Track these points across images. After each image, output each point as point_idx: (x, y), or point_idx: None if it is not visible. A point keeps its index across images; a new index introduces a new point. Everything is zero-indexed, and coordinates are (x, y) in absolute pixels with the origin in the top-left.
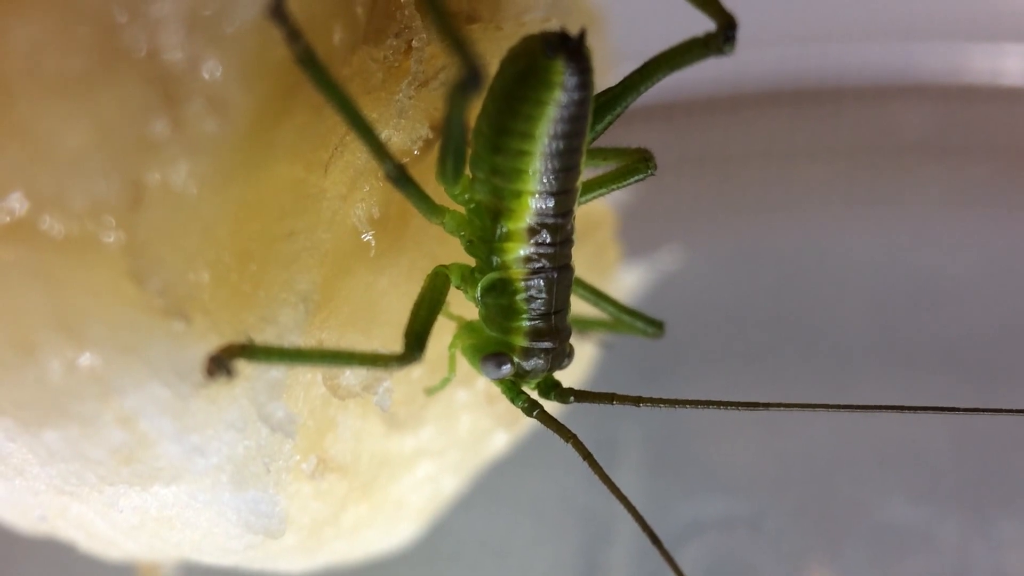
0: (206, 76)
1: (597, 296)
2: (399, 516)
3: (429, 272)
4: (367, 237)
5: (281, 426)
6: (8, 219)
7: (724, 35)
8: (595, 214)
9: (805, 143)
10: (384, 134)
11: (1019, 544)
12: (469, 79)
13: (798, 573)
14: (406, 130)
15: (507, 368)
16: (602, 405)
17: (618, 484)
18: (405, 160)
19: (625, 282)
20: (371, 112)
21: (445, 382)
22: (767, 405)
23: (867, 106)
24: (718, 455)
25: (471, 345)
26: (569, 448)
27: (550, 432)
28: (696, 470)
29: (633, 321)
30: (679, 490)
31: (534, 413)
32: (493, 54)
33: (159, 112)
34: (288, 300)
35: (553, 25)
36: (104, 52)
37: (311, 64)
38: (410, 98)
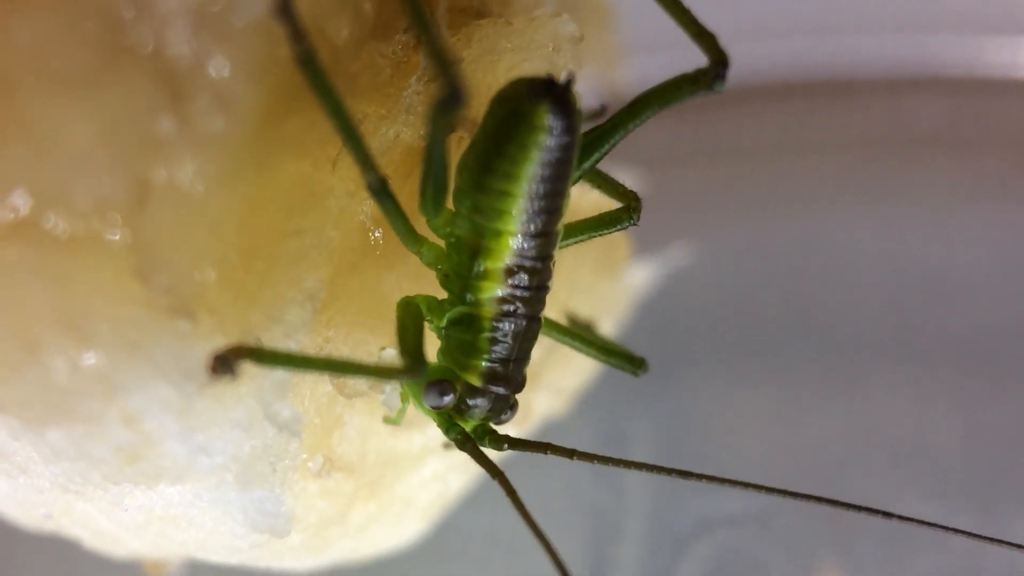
0: (213, 73)
1: (575, 338)
2: (406, 514)
3: (399, 302)
4: (376, 234)
5: (287, 425)
6: (12, 217)
7: (715, 72)
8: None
9: (817, 136)
10: (392, 131)
11: None
12: (450, 97)
13: (808, 571)
14: (414, 126)
15: (448, 399)
16: (611, 401)
17: (626, 481)
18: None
19: (636, 278)
20: (380, 108)
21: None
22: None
23: (880, 99)
24: (728, 452)
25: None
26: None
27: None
28: (706, 467)
29: (610, 358)
30: (688, 487)
31: (466, 446)
32: (503, 49)
33: (165, 109)
34: (295, 298)
35: (567, 27)
36: (110, 48)
37: (311, 66)
38: (419, 94)
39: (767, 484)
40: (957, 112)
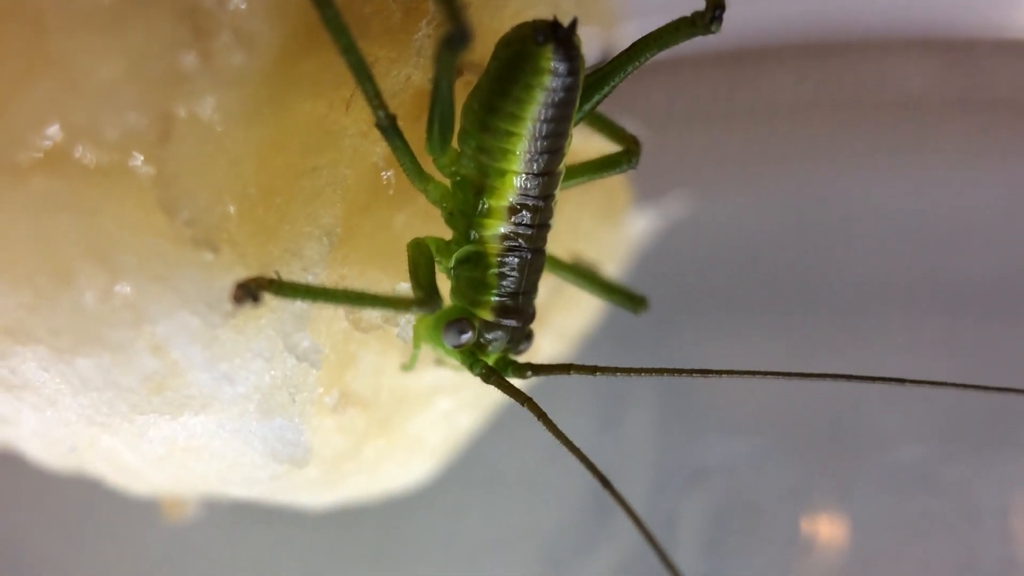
0: (233, 10)
1: (578, 275)
2: (417, 452)
3: (409, 243)
4: (387, 175)
5: (306, 356)
6: (42, 154)
7: (712, 14)
8: None
9: (812, 95)
10: (403, 73)
11: None
12: (455, 35)
13: (806, 514)
14: (424, 69)
15: (468, 336)
16: (613, 349)
17: (628, 427)
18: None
19: (636, 228)
20: (390, 52)
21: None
22: (731, 372)
23: (872, 59)
24: (727, 398)
25: (434, 319)
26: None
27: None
28: (706, 412)
29: (612, 296)
30: (689, 433)
31: (491, 379)
32: None
33: (188, 45)
34: (312, 234)
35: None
36: None
37: (325, 3)
38: (428, 37)
39: (767, 430)
40: (946, 71)
